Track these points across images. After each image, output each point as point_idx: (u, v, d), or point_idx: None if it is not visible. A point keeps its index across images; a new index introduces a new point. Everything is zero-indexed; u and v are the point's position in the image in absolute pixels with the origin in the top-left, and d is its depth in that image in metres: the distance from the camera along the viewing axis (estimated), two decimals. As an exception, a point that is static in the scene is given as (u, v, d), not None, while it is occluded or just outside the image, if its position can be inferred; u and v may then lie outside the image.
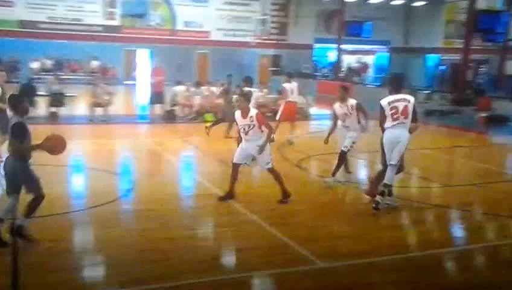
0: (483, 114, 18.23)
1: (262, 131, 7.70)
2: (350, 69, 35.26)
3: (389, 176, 7.41)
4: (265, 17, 31.48)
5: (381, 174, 7.67)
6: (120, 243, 6.16)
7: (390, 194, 7.66)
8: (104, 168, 9.67)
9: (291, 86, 13.53)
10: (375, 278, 5.48)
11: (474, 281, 5.60)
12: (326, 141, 9.09)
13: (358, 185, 9.46)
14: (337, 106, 8.94)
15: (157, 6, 31.38)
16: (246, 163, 8.17)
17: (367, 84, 30.78)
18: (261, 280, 5.50)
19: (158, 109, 16.38)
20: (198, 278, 5.28)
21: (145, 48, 30.46)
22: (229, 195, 7.88)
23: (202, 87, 17.73)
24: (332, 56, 33.58)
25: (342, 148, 8.98)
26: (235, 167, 7.88)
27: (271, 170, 7.88)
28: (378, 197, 7.42)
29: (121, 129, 15.04)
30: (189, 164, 11.38)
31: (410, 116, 7.44)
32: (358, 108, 8.93)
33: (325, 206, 7.96)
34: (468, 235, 7.15)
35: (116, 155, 11.87)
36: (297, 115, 14.38)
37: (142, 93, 21.55)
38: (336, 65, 31.10)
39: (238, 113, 7.77)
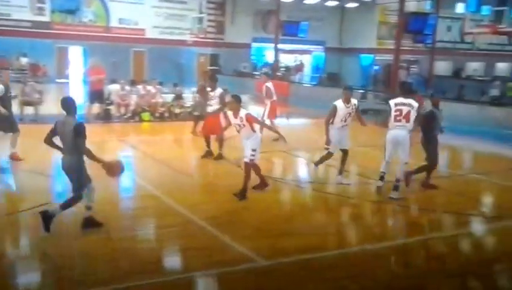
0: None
1: (254, 130, 8.16)
2: (287, 68, 35.63)
3: (400, 172, 8.35)
4: (202, 15, 31.25)
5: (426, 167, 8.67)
6: (58, 247, 5.95)
7: (396, 188, 8.31)
8: (37, 170, 9.28)
9: (272, 85, 13.90)
10: (315, 275, 5.55)
11: (411, 273, 5.79)
12: (328, 143, 9.17)
13: (298, 184, 9.58)
14: (341, 105, 9.00)
15: (89, 2, 30.44)
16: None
17: (303, 83, 31.23)
18: (204, 280, 5.47)
19: (95, 108, 15.92)
20: (141, 280, 5.19)
21: (78, 45, 29.56)
22: (262, 183, 8.48)
23: (138, 86, 17.38)
24: (270, 55, 33.80)
25: (346, 148, 9.30)
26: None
27: (245, 164, 8.15)
28: (379, 182, 8.43)
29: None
30: (127, 164, 11.09)
31: (411, 121, 8.21)
32: (358, 108, 9.27)
33: (267, 205, 8.00)
34: (404, 230, 7.39)
35: (49, 157, 11.40)
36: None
37: (76, 92, 20.91)
38: (274, 64, 31.32)
39: (230, 113, 8.27)
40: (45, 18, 29.49)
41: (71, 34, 29.48)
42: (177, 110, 17.30)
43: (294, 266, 5.73)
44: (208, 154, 11.00)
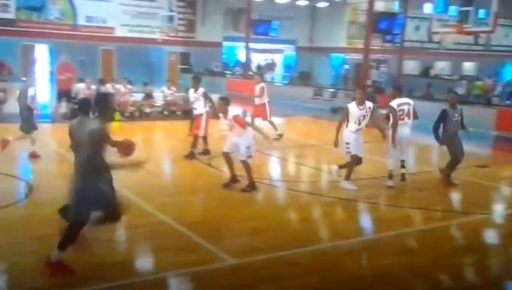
0: (384, 111, 19.16)
1: (245, 128, 8.44)
2: (259, 68, 35.68)
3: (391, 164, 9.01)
4: (172, 13, 31.02)
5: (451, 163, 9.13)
6: (18, 250, 5.83)
7: (391, 177, 9.02)
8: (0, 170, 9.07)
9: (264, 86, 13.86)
10: (284, 272, 5.56)
11: (380, 268, 5.83)
12: (336, 145, 9.00)
13: (271, 182, 9.61)
14: (354, 107, 8.75)
15: (55, 0, 29.92)
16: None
17: (275, 82, 31.33)
18: (174, 280, 5.43)
19: (63, 107, 15.65)
20: (108, 282, 5.10)
21: (44, 44, 29.03)
22: (233, 180, 8.62)
23: (107, 85, 17.16)
24: (241, 54, 33.81)
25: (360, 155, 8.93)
26: (226, 155, 8.57)
27: (243, 162, 8.46)
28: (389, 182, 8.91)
29: (18, 129, 14.13)
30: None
31: (412, 117, 8.99)
32: (374, 110, 8.97)
33: (238, 204, 7.99)
34: (373, 226, 7.49)
35: (14, 156, 11.17)
36: None
37: (42, 91, 20.52)
38: (245, 63, 31.34)
39: (221, 115, 8.55)
40: (10, 15, 28.87)
41: (37, 32, 28.92)
42: (147, 110, 17.17)
43: (264, 263, 5.73)
44: (192, 155, 10.86)
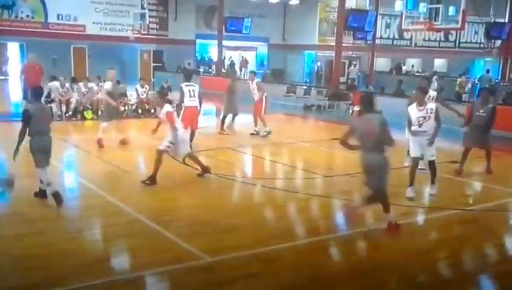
0: (357, 108, 19.42)
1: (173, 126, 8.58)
2: (232, 64, 35.68)
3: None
4: (143, 11, 30.77)
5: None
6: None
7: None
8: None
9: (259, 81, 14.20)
10: (260, 269, 5.61)
11: (354, 264, 5.94)
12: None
13: (245, 180, 9.65)
14: (413, 109, 8.44)
15: (26, -3, 29.41)
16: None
17: (246, 79, 31.33)
18: (148, 279, 5.41)
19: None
20: (82, 282, 5.08)
21: (16, 42, 28.54)
22: (205, 169, 9.09)
23: (80, 83, 16.96)
24: (214, 52, 33.74)
25: (431, 158, 8.53)
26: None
27: (157, 151, 8.61)
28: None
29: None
30: (69, 163, 10.85)
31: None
32: (437, 113, 8.39)
33: (212, 202, 8.00)
34: (347, 222, 7.53)
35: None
36: None
37: (15, 89, 20.19)
38: (218, 61, 31.29)
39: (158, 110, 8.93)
40: (-20, 13, 28.35)
41: (8, 29, 28.41)
42: (121, 108, 16.99)
43: (240, 261, 5.76)
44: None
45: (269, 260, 5.85)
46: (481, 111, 9.99)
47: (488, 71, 28.69)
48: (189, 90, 11.51)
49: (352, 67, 32.28)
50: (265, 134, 13.67)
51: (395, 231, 6.66)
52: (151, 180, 8.48)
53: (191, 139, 10.98)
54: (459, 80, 27.16)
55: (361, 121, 6.94)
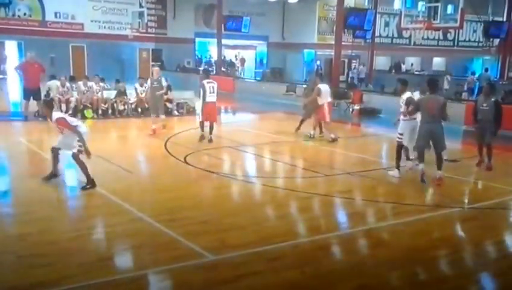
0: (357, 107, 19.46)
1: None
2: (231, 64, 35.68)
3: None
4: (142, 9, 30.74)
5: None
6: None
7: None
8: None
9: (325, 87, 13.62)
10: (262, 267, 5.62)
11: (356, 262, 5.95)
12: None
13: (246, 178, 9.67)
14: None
15: (23, -5, 29.36)
16: None
17: (245, 78, 31.43)
18: (151, 277, 5.43)
19: (32, 105, 15.41)
20: (86, 281, 5.10)
21: (13, 40, 28.51)
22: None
23: (79, 82, 16.97)
24: (214, 51, 33.75)
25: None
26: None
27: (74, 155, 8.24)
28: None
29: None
30: (70, 163, 10.84)
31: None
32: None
33: (214, 200, 8.05)
34: (349, 220, 7.59)
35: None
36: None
37: (14, 88, 20.18)
38: (218, 59, 31.30)
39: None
40: (-23, 12, 28.30)
41: (5, 28, 28.37)
42: (120, 107, 17.03)
43: (243, 259, 5.78)
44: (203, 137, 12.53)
45: (272, 258, 5.87)
46: (484, 105, 10.22)
47: (486, 70, 28.74)
48: (210, 87, 12.37)
49: (362, 66, 32.27)
50: (331, 140, 13.18)
51: (441, 183, 8.95)
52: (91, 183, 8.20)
53: (210, 132, 12.41)
54: (468, 78, 27.30)
55: (428, 99, 9.03)
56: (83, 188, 8.11)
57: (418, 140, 9.26)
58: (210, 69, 32.47)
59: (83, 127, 8.47)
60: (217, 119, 13.10)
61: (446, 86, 25.19)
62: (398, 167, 9.63)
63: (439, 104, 8.91)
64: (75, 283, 5.06)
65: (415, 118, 9.49)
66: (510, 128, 14.77)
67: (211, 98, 12.38)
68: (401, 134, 9.64)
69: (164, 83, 14.24)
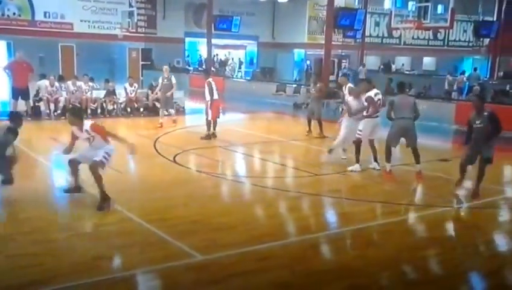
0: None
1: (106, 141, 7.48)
2: (221, 63, 35.64)
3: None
4: (132, 9, 30.60)
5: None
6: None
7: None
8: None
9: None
10: (252, 267, 5.61)
11: (347, 261, 5.97)
12: None
13: (236, 178, 9.65)
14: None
15: (12, -5, 29.11)
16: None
17: (233, 78, 31.41)
18: (140, 277, 5.42)
19: (21, 105, 15.29)
20: (76, 280, 5.08)
21: (4, 40, 28.30)
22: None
23: (68, 82, 16.85)
24: (204, 50, 33.69)
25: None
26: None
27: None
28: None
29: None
30: (59, 162, 10.77)
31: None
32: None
33: (203, 200, 8.00)
34: (339, 220, 7.60)
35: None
36: None
37: (2, 88, 20.02)
38: (208, 59, 31.23)
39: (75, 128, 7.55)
40: (-34, 12, 28.04)
41: (-5, 28, 28.16)
42: (110, 107, 16.95)
43: (233, 259, 5.78)
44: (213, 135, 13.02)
45: (262, 258, 5.87)
46: (478, 122, 8.76)
47: (475, 69, 28.92)
48: (215, 85, 13.11)
49: (363, 68, 32.32)
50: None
51: (421, 177, 9.32)
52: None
53: (214, 128, 13.00)
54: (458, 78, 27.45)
55: (399, 99, 9.58)
56: (100, 209, 7.20)
57: (389, 137, 9.59)
58: (200, 68, 32.47)
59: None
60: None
61: (446, 86, 25.28)
62: (358, 161, 10.00)
63: (410, 103, 9.65)
64: (65, 282, 5.04)
65: (377, 116, 9.98)
66: (509, 128, 14.85)
67: (217, 95, 13.12)
68: (361, 130, 9.97)
69: (174, 81, 15.21)
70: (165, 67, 15.49)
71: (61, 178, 8.96)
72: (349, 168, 9.97)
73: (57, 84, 16.41)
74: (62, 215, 7.31)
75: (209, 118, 12.97)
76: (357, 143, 10.07)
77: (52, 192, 8.50)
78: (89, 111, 16.34)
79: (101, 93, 17.19)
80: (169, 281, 5.35)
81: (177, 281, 5.30)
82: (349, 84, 11.75)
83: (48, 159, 10.84)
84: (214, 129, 13.06)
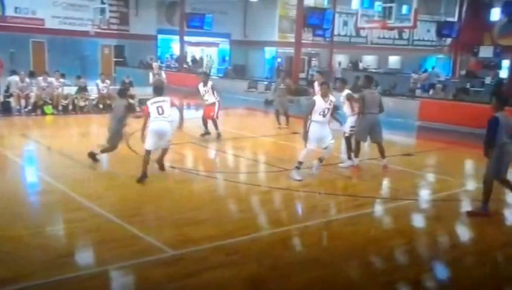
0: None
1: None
2: (194, 61, 35.61)
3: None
4: (103, 6, 30.34)
5: None
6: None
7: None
8: None
9: None
10: (224, 260, 5.69)
11: (315, 253, 6.11)
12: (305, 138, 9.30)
13: (208, 174, 9.74)
14: (320, 100, 9.14)
15: (-18, -9, 28.59)
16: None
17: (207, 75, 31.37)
18: (112, 274, 5.41)
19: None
20: (48, 277, 5.09)
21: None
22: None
23: (39, 78, 16.74)
24: (176, 48, 33.61)
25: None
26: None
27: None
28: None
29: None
30: (30, 159, 10.77)
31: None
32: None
33: (175, 196, 8.06)
34: (308, 213, 7.74)
35: None
36: None
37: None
38: (180, 56, 31.21)
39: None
40: None
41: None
42: (81, 103, 16.89)
43: (204, 253, 5.83)
44: (206, 133, 12.97)
45: (231, 252, 5.94)
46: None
47: (433, 67, 29.90)
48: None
49: (339, 66, 32.74)
50: None
51: (387, 170, 9.61)
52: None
53: (216, 127, 12.91)
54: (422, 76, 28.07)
55: (369, 94, 9.77)
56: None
57: (359, 132, 9.86)
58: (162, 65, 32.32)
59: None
60: None
61: (411, 84, 26.00)
62: (350, 157, 10.12)
63: (377, 98, 9.91)
64: (36, 280, 5.04)
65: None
66: (463, 124, 15.41)
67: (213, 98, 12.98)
68: (353, 127, 10.05)
69: (164, 76, 16.13)
70: (155, 64, 16.42)
71: (30, 174, 8.94)
72: (341, 165, 10.11)
73: (27, 80, 16.29)
74: (31, 212, 7.29)
75: (215, 118, 12.93)
76: (348, 139, 10.16)
77: (22, 189, 8.45)
78: (60, 107, 16.28)
79: (73, 90, 17.11)
80: (140, 276, 5.35)
81: (148, 276, 5.30)
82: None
83: (18, 156, 10.78)
84: (217, 128, 12.93)
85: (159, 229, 6.48)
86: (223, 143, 12.68)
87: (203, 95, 12.86)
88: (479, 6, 34.77)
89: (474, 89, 24.14)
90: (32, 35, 29.58)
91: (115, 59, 32.66)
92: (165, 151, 9.04)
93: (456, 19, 33.10)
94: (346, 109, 10.29)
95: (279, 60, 36.58)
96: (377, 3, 22.18)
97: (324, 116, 9.03)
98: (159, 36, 35.08)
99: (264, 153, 12.02)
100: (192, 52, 37.02)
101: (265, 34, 35.94)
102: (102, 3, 30.75)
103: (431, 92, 23.02)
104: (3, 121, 14.29)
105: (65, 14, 30.86)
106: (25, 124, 14.49)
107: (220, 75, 33.22)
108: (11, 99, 15.94)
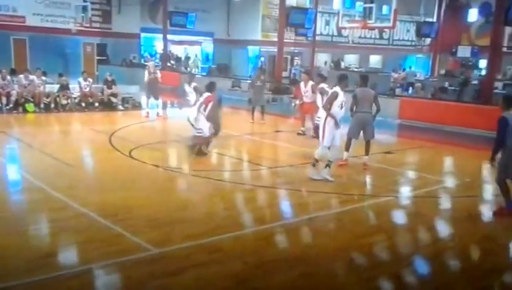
0: (298, 101, 19.91)
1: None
2: (177, 59, 35.52)
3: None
4: (85, 3, 30.11)
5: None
6: None
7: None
8: None
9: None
10: (206, 259, 5.69)
11: (299, 250, 6.15)
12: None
13: (192, 172, 9.78)
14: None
15: (-39, -12, 28.19)
16: None
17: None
18: (95, 272, 5.36)
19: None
20: (31, 277, 5.06)
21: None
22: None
23: (20, 76, 16.62)
24: (159, 46, 33.49)
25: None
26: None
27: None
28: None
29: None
30: (11, 157, 10.70)
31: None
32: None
33: (158, 195, 8.06)
34: (292, 211, 7.81)
35: None
36: None
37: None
38: (163, 54, 31.11)
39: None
40: None
41: None
42: (63, 101, 16.80)
43: (188, 251, 5.84)
44: None
45: (214, 250, 5.94)
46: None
47: (410, 67, 30.32)
48: None
49: (325, 65, 33.00)
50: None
51: (367, 168, 9.89)
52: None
53: None
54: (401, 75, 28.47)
55: (362, 91, 9.97)
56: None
57: (351, 130, 10.02)
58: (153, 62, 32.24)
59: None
60: None
61: (392, 83, 26.39)
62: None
63: (370, 96, 9.98)
64: (18, 279, 5.00)
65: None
66: (442, 122, 15.67)
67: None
68: (319, 117, 10.03)
69: (159, 74, 16.85)
70: (151, 63, 17.45)
71: (11, 172, 8.88)
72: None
73: (8, 77, 16.16)
74: (14, 211, 7.24)
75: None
76: (316, 129, 10.61)
77: (4, 187, 8.38)
78: (42, 105, 16.18)
79: (55, 88, 17.02)
80: (124, 275, 5.34)
81: (131, 274, 5.28)
82: (311, 82, 13.14)
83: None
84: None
85: (143, 227, 6.47)
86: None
87: (188, 96, 12.92)
88: (457, 7, 35.46)
89: (452, 88, 24.53)
90: (13, 33, 29.25)
91: (98, 57, 32.43)
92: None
93: (435, 20, 33.65)
94: (318, 100, 11.53)
95: (262, 59, 36.66)
96: (358, 4, 22.43)
97: (341, 108, 9.06)
98: (142, 34, 34.90)
99: (247, 151, 12.09)
100: (180, 51, 36.91)
101: (249, 33, 35.99)
102: (85, 1, 30.51)
103: (410, 90, 23.34)
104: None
105: (47, 12, 30.57)
106: (6, 121, 14.37)
107: (204, 73, 33.19)
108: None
